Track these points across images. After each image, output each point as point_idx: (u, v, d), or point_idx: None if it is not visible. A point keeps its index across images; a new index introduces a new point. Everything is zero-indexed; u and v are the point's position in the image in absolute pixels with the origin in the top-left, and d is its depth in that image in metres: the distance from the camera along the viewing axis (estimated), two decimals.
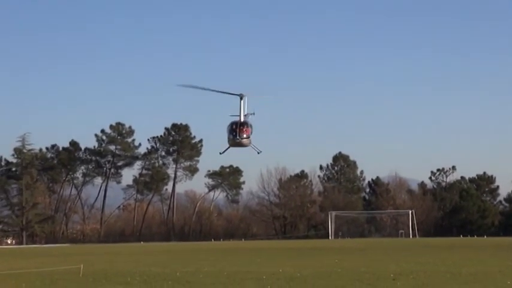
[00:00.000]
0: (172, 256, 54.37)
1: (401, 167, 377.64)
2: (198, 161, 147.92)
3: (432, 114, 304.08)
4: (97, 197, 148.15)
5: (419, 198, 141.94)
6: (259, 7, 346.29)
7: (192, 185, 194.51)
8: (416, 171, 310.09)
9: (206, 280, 28.89)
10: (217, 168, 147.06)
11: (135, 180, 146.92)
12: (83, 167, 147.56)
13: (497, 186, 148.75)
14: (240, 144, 36.68)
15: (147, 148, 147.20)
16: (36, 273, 34.40)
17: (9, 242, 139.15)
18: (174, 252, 64.95)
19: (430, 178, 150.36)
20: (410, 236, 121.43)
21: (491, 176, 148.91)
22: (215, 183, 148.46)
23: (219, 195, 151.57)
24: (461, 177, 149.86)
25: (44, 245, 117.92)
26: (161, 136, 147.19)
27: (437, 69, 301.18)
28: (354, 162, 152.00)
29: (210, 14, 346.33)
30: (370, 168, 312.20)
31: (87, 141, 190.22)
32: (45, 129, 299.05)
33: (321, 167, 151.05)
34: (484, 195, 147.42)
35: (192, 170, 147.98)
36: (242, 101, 36.70)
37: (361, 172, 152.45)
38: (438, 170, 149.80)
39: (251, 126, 37.17)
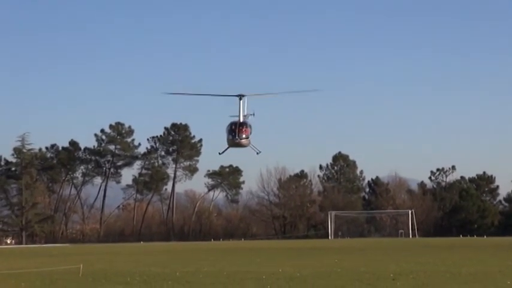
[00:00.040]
0: (172, 256, 54.35)
1: (401, 166, 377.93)
2: (197, 160, 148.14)
3: (432, 114, 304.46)
4: (96, 197, 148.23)
5: (419, 198, 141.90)
6: (259, 7, 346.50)
7: (191, 184, 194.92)
8: (416, 171, 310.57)
9: (206, 280, 28.88)
10: (216, 168, 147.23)
11: (135, 180, 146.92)
12: (82, 167, 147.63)
13: (497, 186, 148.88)
14: (239, 145, 36.68)
15: (147, 148, 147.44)
16: (36, 273, 34.38)
17: (8, 241, 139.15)
18: (173, 252, 64.93)
19: (430, 178, 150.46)
20: (410, 236, 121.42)
21: (491, 176, 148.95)
22: (215, 183, 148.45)
23: (219, 195, 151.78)
24: (461, 177, 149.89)
25: (44, 245, 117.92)
26: (161, 136, 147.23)
27: (437, 69, 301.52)
28: (354, 162, 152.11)
29: (210, 14, 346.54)
30: (369, 168, 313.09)
31: (87, 141, 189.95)
32: (44, 129, 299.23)
33: (320, 167, 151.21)
34: (484, 195, 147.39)
35: (192, 170, 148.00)
36: (241, 102, 36.68)
37: (361, 172, 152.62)
38: (438, 169, 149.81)
39: (250, 126, 37.15)
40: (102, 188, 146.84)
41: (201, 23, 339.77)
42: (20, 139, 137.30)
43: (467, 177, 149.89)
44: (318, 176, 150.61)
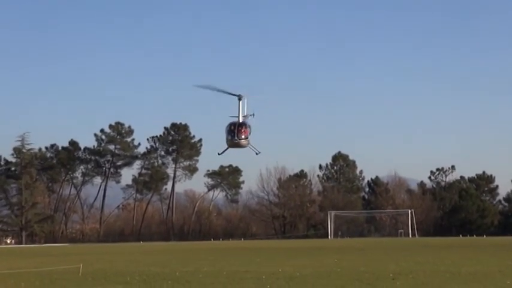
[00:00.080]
0: (172, 256, 54.34)
1: (400, 166, 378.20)
2: (197, 160, 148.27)
3: (431, 113, 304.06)
4: (96, 197, 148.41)
5: (419, 197, 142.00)
6: (259, 6, 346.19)
7: (191, 184, 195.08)
8: (416, 171, 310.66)
9: (205, 280, 28.87)
10: (216, 168, 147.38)
11: (135, 180, 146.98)
12: (82, 167, 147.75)
13: (497, 186, 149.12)
14: (239, 145, 36.62)
15: (147, 148, 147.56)
16: (36, 273, 34.37)
17: (8, 241, 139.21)
18: (173, 251, 64.93)
19: (430, 178, 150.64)
20: (410, 236, 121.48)
21: (491, 176, 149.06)
22: (214, 182, 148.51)
23: (219, 195, 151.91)
24: (461, 177, 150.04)
25: (43, 245, 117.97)
26: (160, 136, 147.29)
27: (437, 69, 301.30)
28: (354, 162, 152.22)
29: (210, 13, 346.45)
30: (369, 167, 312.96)
31: (87, 141, 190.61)
32: (44, 128, 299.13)
33: (320, 167, 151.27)
34: (484, 194, 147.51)
35: (192, 170, 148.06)
36: (241, 102, 36.65)
37: (361, 172, 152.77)
38: (437, 169, 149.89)
39: (250, 127, 37.09)
40: (102, 187, 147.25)
41: (201, 23, 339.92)
42: (20, 139, 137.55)
43: (466, 177, 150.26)
44: (318, 175, 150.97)
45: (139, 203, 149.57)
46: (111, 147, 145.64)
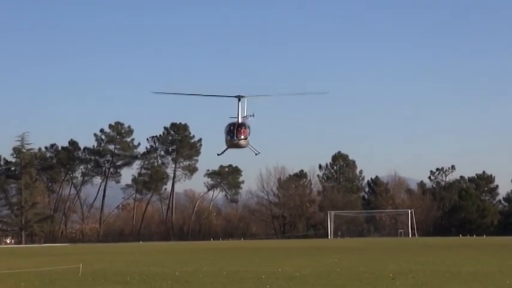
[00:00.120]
0: (172, 256, 54.33)
1: (400, 166, 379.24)
2: (197, 160, 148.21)
3: (432, 114, 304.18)
4: (96, 197, 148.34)
5: (419, 197, 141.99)
6: (259, 6, 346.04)
7: (191, 184, 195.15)
8: (416, 171, 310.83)
9: (205, 280, 28.87)
10: (216, 168, 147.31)
11: (134, 180, 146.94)
12: (82, 167, 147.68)
13: (497, 186, 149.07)
14: (238, 146, 36.63)
15: (146, 148, 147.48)
16: (35, 273, 34.36)
17: (8, 241, 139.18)
18: (173, 251, 64.92)
19: (429, 178, 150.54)
20: (410, 236, 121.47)
21: (491, 176, 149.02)
22: (214, 182, 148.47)
23: (218, 195, 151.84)
24: (461, 177, 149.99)
25: (43, 245, 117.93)
26: (160, 136, 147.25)
27: (437, 69, 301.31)
28: (353, 162, 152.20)
29: (210, 13, 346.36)
30: (369, 167, 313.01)
31: (86, 141, 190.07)
32: (44, 128, 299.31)
33: (320, 167, 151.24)
34: (483, 194, 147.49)
35: (191, 170, 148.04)
36: (240, 103, 36.65)
37: (361, 171, 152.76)
38: (437, 169, 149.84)
39: (249, 127, 37.09)
40: (102, 187, 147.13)
41: (201, 22, 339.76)
42: (20, 139, 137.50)
43: (466, 177, 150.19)
44: (318, 175, 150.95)
45: (139, 203, 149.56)
46: (111, 147, 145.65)
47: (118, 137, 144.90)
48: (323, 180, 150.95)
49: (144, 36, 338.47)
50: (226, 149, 37.39)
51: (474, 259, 41.69)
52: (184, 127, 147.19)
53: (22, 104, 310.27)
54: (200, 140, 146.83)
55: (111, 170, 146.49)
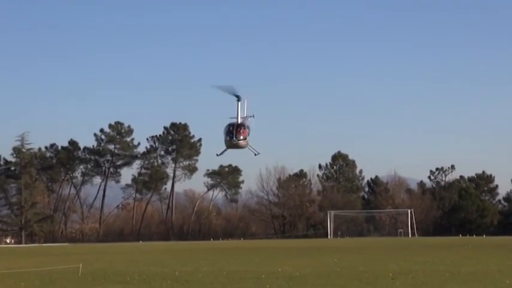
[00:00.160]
0: (171, 255, 54.34)
1: (400, 166, 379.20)
2: (197, 160, 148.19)
3: (431, 113, 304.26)
4: (96, 196, 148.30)
5: (418, 197, 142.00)
6: (259, 7, 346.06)
7: (191, 184, 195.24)
8: (415, 171, 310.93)
9: (205, 279, 28.89)
10: (216, 168, 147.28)
11: (134, 180, 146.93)
12: (81, 167, 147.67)
13: (496, 186, 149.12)
14: (237, 146, 36.55)
15: (146, 147, 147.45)
16: (35, 273, 34.38)
17: (8, 241, 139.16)
18: (173, 251, 64.93)
19: (429, 177, 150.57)
20: (409, 235, 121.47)
21: (490, 175, 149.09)
22: (214, 182, 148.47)
23: (218, 195, 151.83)
24: (460, 177, 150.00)
25: (43, 244, 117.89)
26: (160, 135, 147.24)
27: (437, 69, 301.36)
28: (353, 162, 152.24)
29: (210, 13, 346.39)
30: (369, 167, 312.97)
31: (86, 141, 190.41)
32: (44, 128, 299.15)
33: (320, 166, 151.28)
34: (483, 194, 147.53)
35: (191, 169, 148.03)
36: (240, 103, 36.63)
37: (360, 171, 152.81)
38: (437, 169, 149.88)
39: (248, 127, 37.03)
40: (102, 187, 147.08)
41: (201, 22, 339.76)
42: (20, 139, 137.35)
43: (466, 177, 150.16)
44: (317, 175, 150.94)
45: (138, 202, 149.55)
46: (111, 147, 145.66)
47: (118, 136, 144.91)
48: (323, 180, 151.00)
49: (144, 36, 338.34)
50: (226, 149, 37.32)
51: (474, 259, 41.72)
52: (184, 127, 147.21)
53: (22, 104, 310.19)
54: (200, 139, 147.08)
55: (111, 169, 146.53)
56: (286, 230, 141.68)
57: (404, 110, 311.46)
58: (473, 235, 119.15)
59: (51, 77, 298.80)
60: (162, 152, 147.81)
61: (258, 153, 38.04)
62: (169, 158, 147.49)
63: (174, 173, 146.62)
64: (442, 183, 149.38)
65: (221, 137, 36.80)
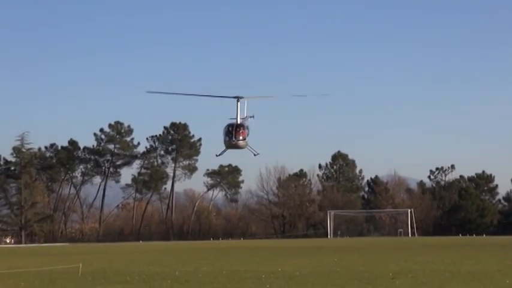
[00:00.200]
0: (171, 255, 54.35)
1: (400, 166, 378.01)
2: (197, 160, 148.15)
3: (431, 113, 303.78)
4: (96, 196, 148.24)
5: (418, 197, 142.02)
6: (259, 7, 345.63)
7: (191, 184, 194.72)
8: (415, 170, 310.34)
9: (205, 279, 28.88)
10: (216, 167, 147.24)
11: (134, 179, 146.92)
12: (81, 166, 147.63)
13: (496, 185, 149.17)
14: (236, 146, 36.58)
15: (146, 147, 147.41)
16: (35, 273, 34.38)
17: (8, 241, 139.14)
18: (172, 251, 64.94)
19: (429, 177, 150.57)
20: (409, 235, 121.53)
21: (490, 175, 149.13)
22: (214, 182, 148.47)
23: (218, 194, 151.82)
24: (460, 176, 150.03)
25: (43, 244, 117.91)
26: (160, 135, 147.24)
27: (437, 69, 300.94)
28: (353, 161, 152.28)
29: (210, 13, 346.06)
30: (369, 167, 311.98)
31: (86, 140, 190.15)
32: (44, 128, 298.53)
33: (320, 166, 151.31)
34: (483, 194, 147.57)
35: (191, 169, 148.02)
36: (239, 104, 36.63)
37: (360, 171, 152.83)
38: (437, 169, 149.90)
39: (248, 128, 37.05)
40: (102, 187, 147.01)
41: (201, 22, 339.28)
42: (19, 138, 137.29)
43: (466, 177, 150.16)
44: (317, 175, 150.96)
45: (138, 202, 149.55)
46: (111, 146, 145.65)
47: (118, 136, 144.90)
48: (323, 180, 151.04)
49: (144, 36, 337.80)
50: (225, 150, 37.35)
51: (474, 258, 41.70)
52: (184, 127, 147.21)
53: (22, 103, 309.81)
54: (200, 139, 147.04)
55: (111, 169, 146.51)
56: (286, 229, 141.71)
57: (404, 110, 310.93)
58: (473, 235, 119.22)
59: (51, 77, 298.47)
60: (162, 152, 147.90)
61: (258, 154, 38.10)
62: (169, 157, 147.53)
63: (174, 173, 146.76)
64: (442, 183, 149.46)
65: (221, 137, 36.84)
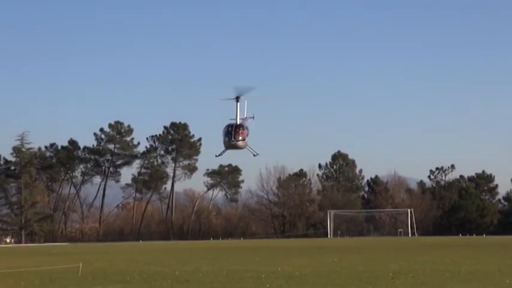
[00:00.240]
0: (171, 255, 54.35)
1: (400, 165, 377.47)
2: (196, 159, 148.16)
3: (431, 113, 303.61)
4: (96, 196, 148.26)
5: (418, 197, 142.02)
6: (259, 7, 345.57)
7: (191, 183, 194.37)
8: (415, 170, 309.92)
9: (205, 279, 28.88)
10: (216, 167, 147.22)
11: (134, 179, 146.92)
12: (81, 166, 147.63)
13: (496, 185, 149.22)
14: (236, 147, 36.59)
15: (146, 147, 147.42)
16: (35, 272, 34.38)
17: (8, 240, 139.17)
18: (172, 251, 64.94)
19: (429, 177, 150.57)
20: (409, 235, 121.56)
21: (490, 175, 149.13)
22: (214, 182, 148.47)
23: (218, 194, 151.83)
24: (460, 176, 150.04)
25: (43, 244, 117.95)
26: (160, 135, 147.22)
27: (437, 69, 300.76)
28: (353, 161, 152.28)
29: (209, 13, 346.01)
30: (369, 167, 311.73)
31: (86, 140, 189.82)
32: (44, 128, 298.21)
33: (320, 166, 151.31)
34: (483, 194, 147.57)
35: (191, 169, 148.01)
36: (239, 104, 36.62)
37: (360, 171, 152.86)
38: (437, 168, 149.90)
39: (247, 128, 37.05)
40: (102, 187, 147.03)
41: (201, 22, 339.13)
42: (19, 138, 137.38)
43: (466, 176, 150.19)
44: (317, 175, 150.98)
45: (138, 202, 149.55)
46: (111, 146, 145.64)
47: (118, 136, 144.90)
48: (323, 180, 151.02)
49: (144, 35, 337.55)
50: (225, 150, 37.36)
51: (474, 258, 41.69)
52: (184, 126, 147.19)
53: (22, 103, 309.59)
54: (200, 139, 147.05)
55: (111, 169, 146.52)
56: (286, 229, 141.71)
57: (404, 110, 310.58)
58: (473, 235, 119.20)
59: (51, 77, 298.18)
60: (162, 152, 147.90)
61: (257, 154, 38.10)
62: (169, 157, 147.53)
63: (174, 173, 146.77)
64: (442, 182, 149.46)
65: (221, 137, 36.83)
